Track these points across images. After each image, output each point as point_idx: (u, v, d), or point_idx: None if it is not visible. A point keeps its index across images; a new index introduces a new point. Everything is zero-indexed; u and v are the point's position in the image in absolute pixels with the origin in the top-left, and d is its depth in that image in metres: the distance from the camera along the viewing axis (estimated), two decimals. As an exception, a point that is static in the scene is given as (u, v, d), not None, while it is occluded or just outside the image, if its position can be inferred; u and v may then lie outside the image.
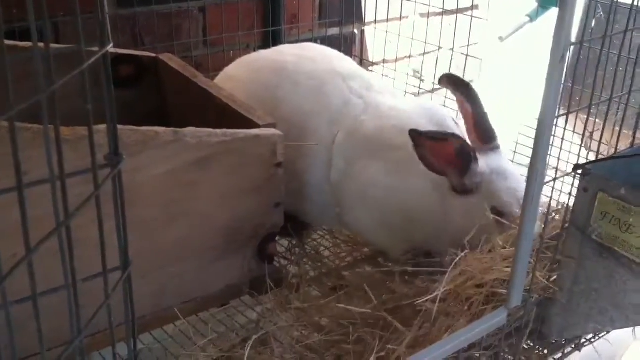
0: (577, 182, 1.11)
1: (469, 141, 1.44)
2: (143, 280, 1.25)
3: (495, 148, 1.47)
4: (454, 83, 1.51)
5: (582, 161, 1.08)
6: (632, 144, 1.21)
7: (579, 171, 1.05)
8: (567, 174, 1.05)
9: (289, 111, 1.56)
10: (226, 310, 1.46)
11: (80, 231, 0.57)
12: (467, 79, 1.72)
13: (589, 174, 1.05)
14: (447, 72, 1.55)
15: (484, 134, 1.46)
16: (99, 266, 0.61)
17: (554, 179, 1.04)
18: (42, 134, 0.48)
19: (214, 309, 1.44)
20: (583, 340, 1.30)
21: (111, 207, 0.59)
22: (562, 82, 1.21)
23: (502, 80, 2.14)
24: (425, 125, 1.48)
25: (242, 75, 1.69)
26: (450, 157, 1.36)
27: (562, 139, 0.99)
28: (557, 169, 1.03)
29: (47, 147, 0.50)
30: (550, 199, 1.08)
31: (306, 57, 1.66)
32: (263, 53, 1.77)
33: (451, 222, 1.38)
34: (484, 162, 1.40)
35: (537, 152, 0.96)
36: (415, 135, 1.34)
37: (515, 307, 1.05)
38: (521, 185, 1.41)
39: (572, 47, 0.91)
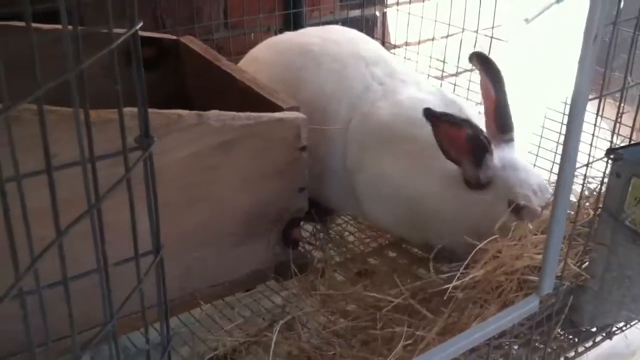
0: (608, 168, 1.08)
1: (485, 132, 1.42)
2: (168, 263, 1.23)
3: (510, 140, 1.44)
4: (484, 63, 1.48)
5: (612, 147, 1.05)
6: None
7: (612, 156, 1.03)
8: (600, 159, 1.03)
9: (311, 93, 1.55)
10: (252, 295, 1.45)
11: (109, 214, 0.56)
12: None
13: (622, 159, 1.02)
14: (479, 51, 1.53)
15: (503, 122, 1.43)
16: (128, 249, 0.60)
17: (587, 164, 1.01)
18: (70, 116, 0.47)
19: (240, 294, 1.44)
20: (614, 329, 1.28)
21: (139, 189, 0.58)
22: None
23: (527, 62, 2.10)
24: None
25: (266, 56, 1.68)
26: (463, 144, 1.32)
27: (595, 124, 0.96)
28: (589, 154, 1.00)
29: (77, 128, 0.48)
30: (583, 185, 1.06)
31: (331, 39, 1.64)
32: (288, 35, 1.76)
33: (467, 219, 1.35)
34: (497, 156, 1.37)
35: (569, 137, 0.93)
36: (430, 115, 1.32)
37: (547, 294, 1.03)
38: (533, 176, 1.39)
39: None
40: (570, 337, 1.25)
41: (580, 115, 0.92)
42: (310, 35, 1.67)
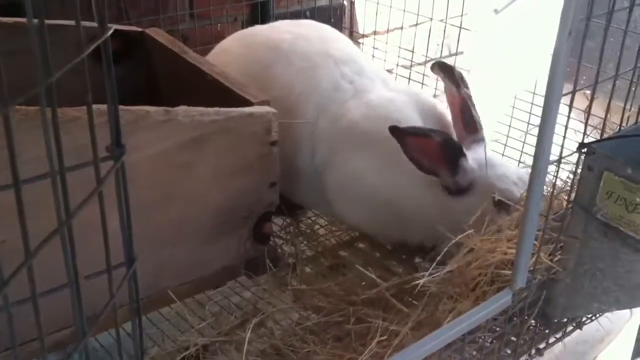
0: (581, 161, 1.08)
1: (455, 135, 1.42)
2: (139, 263, 1.21)
3: (481, 140, 1.43)
4: (446, 70, 1.48)
5: (586, 139, 1.06)
6: (636, 122, 1.19)
7: (584, 150, 1.03)
8: (572, 153, 1.03)
9: (280, 91, 1.52)
10: (222, 292, 1.43)
11: (82, 218, 0.54)
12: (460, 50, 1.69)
13: (594, 153, 1.03)
14: (440, 60, 1.54)
15: (471, 123, 1.42)
16: (104, 252, 0.58)
17: (559, 158, 1.02)
18: (34, 115, 0.45)
19: (210, 291, 1.42)
20: (584, 319, 1.29)
21: (111, 194, 0.56)
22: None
23: (495, 52, 2.11)
24: (414, 117, 1.45)
25: (235, 49, 1.65)
26: (436, 153, 1.31)
27: (568, 116, 0.96)
28: (562, 147, 1.00)
29: (46, 140, 0.46)
30: (556, 179, 1.06)
31: (302, 35, 1.61)
32: (259, 28, 1.72)
33: (450, 222, 1.31)
34: (471, 157, 1.36)
35: (543, 131, 0.93)
36: (396, 131, 1.30)
37: (520, 288, 1.03)
38: (511, 170, 1.39)
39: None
40: (542, 328, 1.26)
41: (554, 109, 0.92)
42: (281, 31, 1.64)
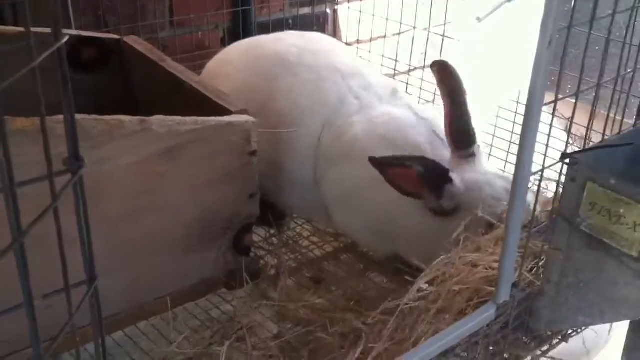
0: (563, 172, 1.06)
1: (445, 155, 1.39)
2: (111, 278, 1.18)
3: (471, 156, 1.38)
4: (444, 72, 1.42)
5: (569, 149, 1.04)
6: (619, 131, 1.17)
7: (567, 161, 1.01)
8: (555, 163, 1.01)
9: (285, 105, 1.51)
10: (200, 304, 1.40)
11: (43, 229, 0.51)
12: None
13: (577, 163, 1.01)
14: (442, 60, 1.47)
15: (459, 138, 1.37)
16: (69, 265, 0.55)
17: (541, 169, 1.00)
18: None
19: (189, 304, 1.39)
20: (570, 332, 1.27)
21: (72, 206, 0.53)
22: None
23: (478, 60, 2.10)
24: (415, 135, 1.43)
25: (239, 61, 1.62)
26: (417, 181, 1.29)
27: (551, 125, 0.94)
28: (545, 157, 0.99)
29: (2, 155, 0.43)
30: (538, 190, 1.04)
31: (308, 49, 1.59)
32: (263, 40, 1.70)
33: (437, 242, 1.26)
34: (458, 178, 1.32)
35: (524, 142, 0.92)
36: (374, 162, 1.28)
37: (504, 302, 1.01)
38: (498, 185, 1.34)
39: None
40: (527, 340, 1.24)
41: (535, 120, 0.90)
42: (287, 43, 1.61)
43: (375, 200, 1.42)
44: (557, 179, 1.06)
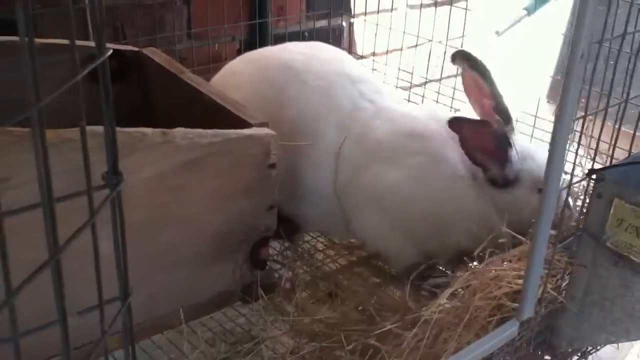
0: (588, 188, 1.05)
1: None
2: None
3: (511, 131, 1.42)
4: (468, 60, 1.45)
5: (595, 166, 1.03)
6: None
7: (593, 177, 1.00)
8: (582, 179, 1.00)
9: (296, 113, 1.50)
10: (215, 317, 1.39)
11: (77, 244, 0.50)
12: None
13: (603, 179, 1.00)
14: (461, 49, 1.50)
15: (503, 114, 1.40)
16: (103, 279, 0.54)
17: (569, 185, 0.99)
18: (26, 137, 0.42)
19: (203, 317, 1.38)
20: (590, 348, 1.26)
21: (105, 221, 0.52)
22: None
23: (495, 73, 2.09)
24: (444, 132, 1.43)
25: (246, 71, 1.61)
26: (489, 144, 1.33)
27: (579, 143, 0.94)
28: (572, 174, 0.98)
29: (38, 168, 0.43)
30: (565, 206, 1.03)
31: (315, 57, 1.59)
32: (269, 50, 1.70)
33: (495, 217, 1.32)
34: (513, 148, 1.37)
35: (553, 157, 0.91)
36: (456, 121, 1.33)
37: (528, 318, 1.00)
38: (543, 159, 1.36)
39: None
40: (547, 358, 1.23)
41: (564, 135, 0.89)
42: (293, 52, 1.61)
43: (413, 195, 1.41)
44: (584, 194, 1.05)
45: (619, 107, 1.06)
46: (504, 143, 1.33)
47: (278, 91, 1.53)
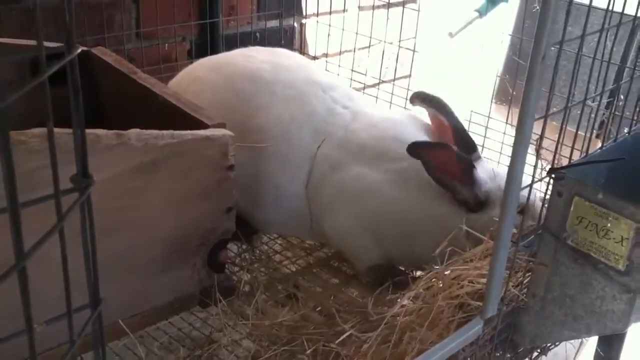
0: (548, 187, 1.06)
1: None
2: (85, 297, 1.13)
3: (478, 158, 1.45)
4: (426, 100, 1.50)
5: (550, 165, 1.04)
6: (601, 147, 1.18)
7: (554, 175, 1.01)
8: (543, 178, 1.01)
9: (267, 121, 1.49)
10: (174, 322, 1.36)
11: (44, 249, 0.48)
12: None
13: (563, 178, 1.01)
14: (418, 91, 1.56)
15: (465, 144, 1.44)
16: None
17: (531, 184, 1.00)
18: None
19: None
20: (550, 344, 1.27)
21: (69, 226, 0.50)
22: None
23: (440, 74, 2.12)
24: (419, 135, 1.47)
25: (210, 79, 1.59)
26: (454, 166, 1.32)
27: (540, 144, 0.94)
28: (533, 174, 0.99)
29: (3, 175, 0.40)
30: (527, 204, 1.04)
31: (281, 65, 1.59)
32: (232, 57, 1.67)
33: (464, 238, 1.28)
34: (479, 171, 1.38)
35: (515, 157, 0.91)
36: (413, 148, 1.32)
37: (491, 316, 1.00)
38: None
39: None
40: (508, 355, 1.24)
41: (526, 135, 0.90)
42: (258, 60, 1.60)
43: (393, 199, 1.42)
44: (544, 193, 1.06)
45: (568, 111, 1.06)
46: (468, 165, 1.34)
47: (245, 101, 1.52)
